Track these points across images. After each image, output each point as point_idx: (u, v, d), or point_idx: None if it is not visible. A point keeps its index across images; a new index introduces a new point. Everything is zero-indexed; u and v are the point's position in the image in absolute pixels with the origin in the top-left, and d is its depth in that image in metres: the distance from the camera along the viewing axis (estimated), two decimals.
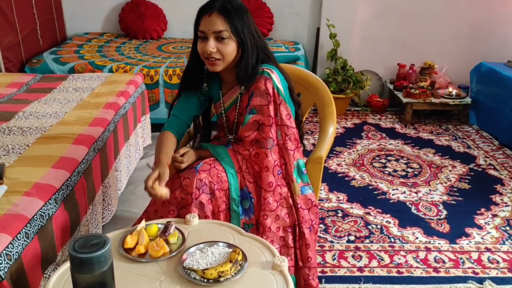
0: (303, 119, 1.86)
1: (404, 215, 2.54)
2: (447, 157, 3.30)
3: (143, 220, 1.45)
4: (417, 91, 3.93)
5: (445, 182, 2.92)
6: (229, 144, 1.74)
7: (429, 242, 2.31)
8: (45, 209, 1.53)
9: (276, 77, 1.65)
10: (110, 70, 3.41)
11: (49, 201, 1.56)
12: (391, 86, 4.28)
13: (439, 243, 2.31)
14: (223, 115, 1.81)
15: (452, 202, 2.69)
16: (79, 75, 3.04)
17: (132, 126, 2.70)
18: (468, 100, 3.93)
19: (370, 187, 2.84)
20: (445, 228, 2.44)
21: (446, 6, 4.20)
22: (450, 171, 3.08)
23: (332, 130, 1.84)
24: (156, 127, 3.50)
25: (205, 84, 1.75)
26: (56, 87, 2.77)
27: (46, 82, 2.86)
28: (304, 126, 1.82)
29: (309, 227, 1.67)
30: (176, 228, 1.42)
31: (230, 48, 1.60)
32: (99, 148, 2.08)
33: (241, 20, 1.60)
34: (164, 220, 1.48)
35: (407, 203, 2.66)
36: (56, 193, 1.62)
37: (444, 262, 2.17)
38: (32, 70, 3.41)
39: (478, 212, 2.59)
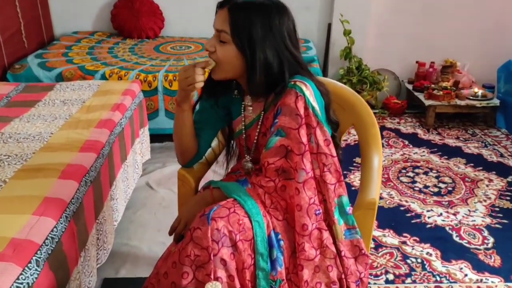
0: (340, 143, 1.53)
1: (446, 244, 2.21)
2: (481, 168, 2.96)
3: None
4: (441, 92, 3.58)
5: (484, 200, 2.58)
6: (246, 182, 1.40)
7: (481, 280, 1.98)
8: (24, 277, 1.19)
9: (310, 93, 1.34)
10: (103, 76, 3.04)
11: (29, 264, 1.23)
12: (409, 87, 3.93)
13: (492, 282, 1.97)
14: (243, 132, 1.51)
15: (497, 226, 2.36)
16: (67, 83, 2.67)
17: (130, 144, 2.35)
18: (496, 101, 3.59)
19: (402, 208, 2.50)
20: (496, 260, 2.10)
21: None
22: (487, 185, 2.74)
23: (378, 160, 1.50)
24: (156, 138, 3.15)
25: (236, 91, 1.51)
26: (41, 99, 2.41)
27: (30, 93, 2.50)
28: (341, 153, 1.48)
29: (356, 281, 1.34)
30: None
31: (226, 53, 1.33)
32: (91, 180, 1.73)
33: (257, 25, 1.29)
34: None
35: (447, 228, 2.33)
36: (38, 252, 1.28)
37: None
38: (14, 77, 3.02)
39: None
